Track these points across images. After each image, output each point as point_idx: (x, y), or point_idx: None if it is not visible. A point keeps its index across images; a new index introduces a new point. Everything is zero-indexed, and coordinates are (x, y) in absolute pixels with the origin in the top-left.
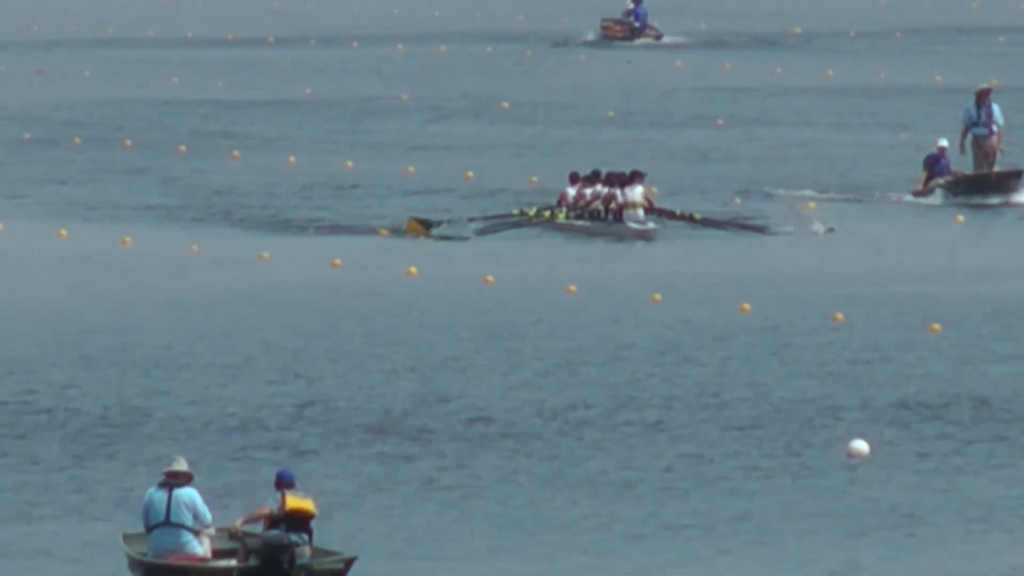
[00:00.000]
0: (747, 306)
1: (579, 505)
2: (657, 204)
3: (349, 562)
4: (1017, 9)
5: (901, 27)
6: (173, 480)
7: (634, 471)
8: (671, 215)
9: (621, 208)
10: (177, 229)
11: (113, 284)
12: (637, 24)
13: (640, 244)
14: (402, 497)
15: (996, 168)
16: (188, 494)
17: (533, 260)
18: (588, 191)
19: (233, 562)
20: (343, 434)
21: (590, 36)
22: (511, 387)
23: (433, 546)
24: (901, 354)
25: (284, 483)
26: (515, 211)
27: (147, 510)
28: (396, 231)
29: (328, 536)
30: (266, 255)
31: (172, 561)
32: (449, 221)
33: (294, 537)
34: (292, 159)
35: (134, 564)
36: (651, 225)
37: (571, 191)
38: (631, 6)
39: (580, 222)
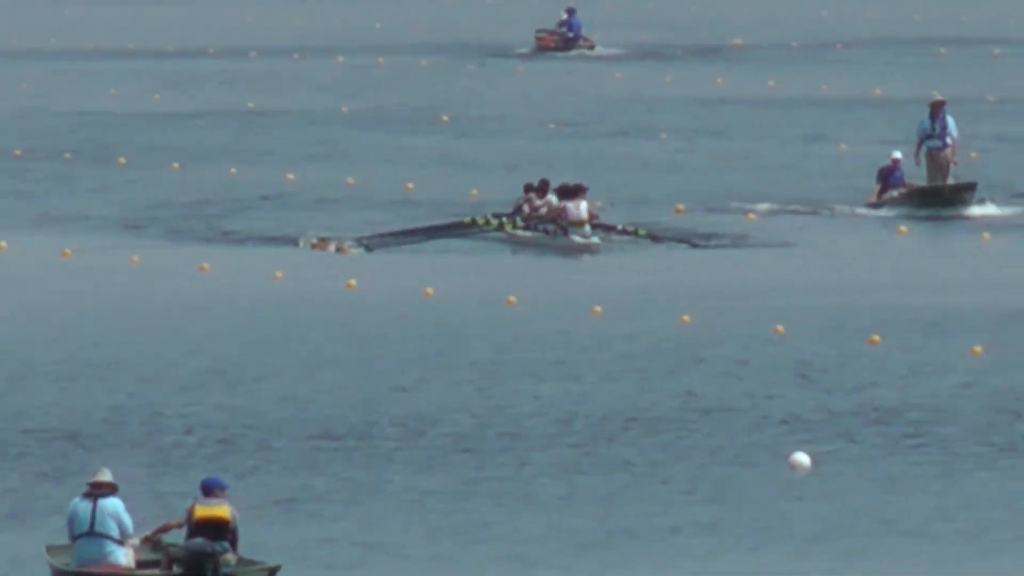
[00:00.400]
0: (687, 318)
1: (516, 516)
2: (601, 217)
3: (273, 571)
4: (959, 21)
5: (843, 38)
6: (98, 491)
7: (572, 482)
8: (614, 230)
9: (568, 223)
10: (118, 240)
11: (52, 295)
12: (571, 35)
13: (583, 257)
14: (335, 507)
15: (950, 180)
16: (112, 504)
17: (474, 272)
18: (540, 202)
19: (156, 572)
20: (278, 444)
21: (524, 49)
22: (447, 398)
23: (360, 556)
24: (841, 366)
25: (205, 490)
26: (466, 219)
27: (72, 520)
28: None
29: (260, 546)
30: (207, 266)
31: (96, 571)
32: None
33: (216, 546)
34: (233, 170)
35: (58, 575)
36: (595, 239)
37: (542, 197)
38: (564, 17)
39: (526, 233)
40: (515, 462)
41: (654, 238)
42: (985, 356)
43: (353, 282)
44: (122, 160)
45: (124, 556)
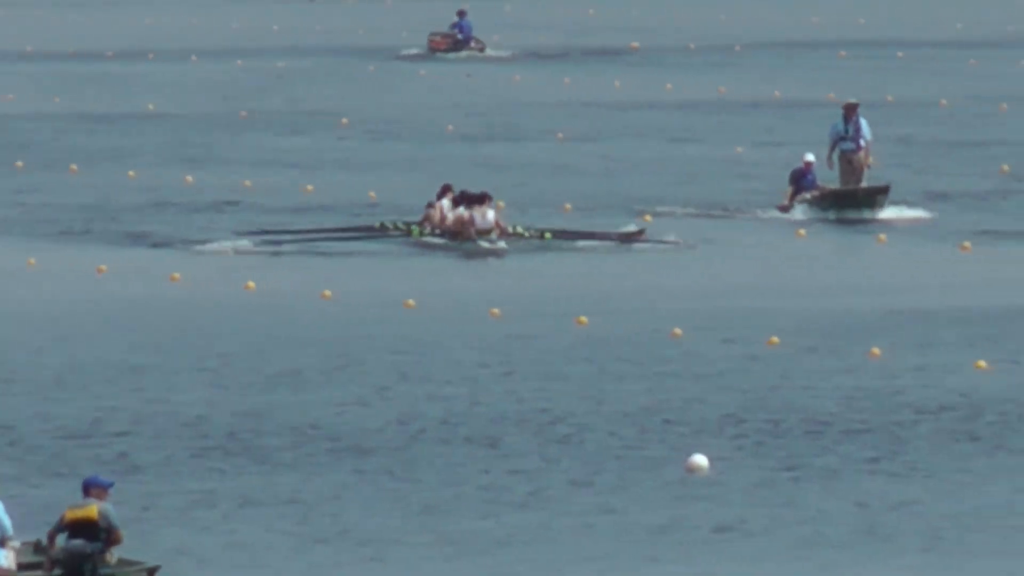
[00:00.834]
0: (584, 319)
1: (407, 520)
2: (503, 219)
3: (152, 571)
4: (857, 23)
5: (741, 41)
6: None
7: (465, 486)
8: (520, 236)
9: (476, 232)
10: (14, 242)
11: None
12: (461, 36)
13: (488, 260)
14: (224, 511)
15: (864, 183)
16: None
17: (376, 275)
18: (447, 208)
19: (39, 574)
20: (172, 447)
21: (414, 50)
22: (342, 401)
23: (247, 558)
24: (739, 368)
25: (84, 489)
26: (377, 224)
27: None
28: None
29: (150, 549)
30: (104, 268)
31: None
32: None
33: (91, 547)
34: (132, 173)
35: None
36: (502, 244)
37: (445, 204)
38: (456, 20)
39: (434, 239)
40: (403, 463)
41: (563, 235)
42: (883, 358)
43: (252, 283)
44: (19, 163)
45: (4, 558)
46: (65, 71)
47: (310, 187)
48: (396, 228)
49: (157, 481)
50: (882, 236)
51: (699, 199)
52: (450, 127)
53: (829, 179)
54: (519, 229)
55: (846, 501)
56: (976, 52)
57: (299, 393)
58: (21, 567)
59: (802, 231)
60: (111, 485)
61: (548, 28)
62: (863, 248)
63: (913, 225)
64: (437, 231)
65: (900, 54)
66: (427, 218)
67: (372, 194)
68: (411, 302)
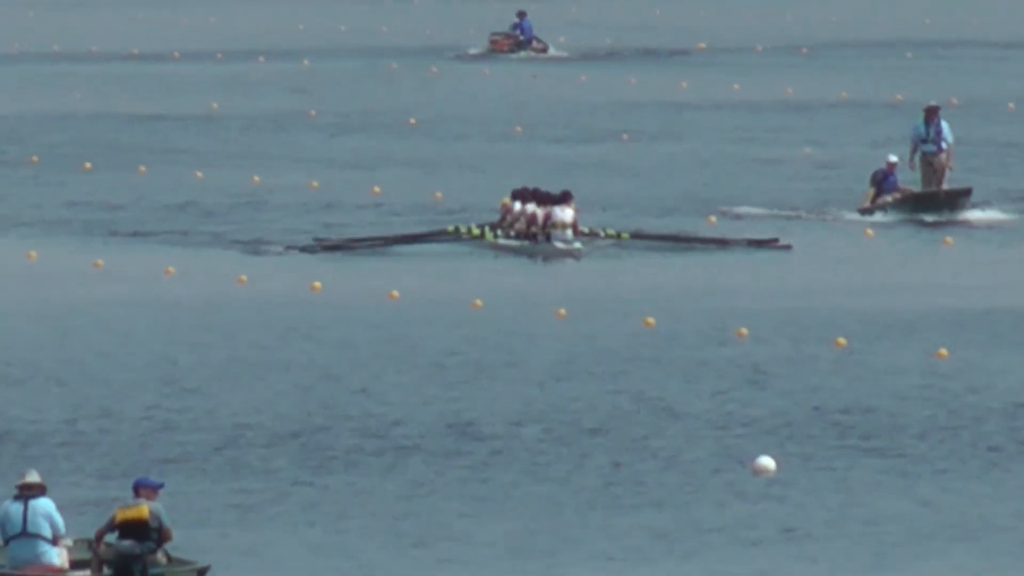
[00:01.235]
0: (651, 320)
1: (482, 521)
2: (579, 222)
3: (202, 571)
4: (923, 24)
5: (808, 42)
6: (27, 492)
7: (536, 487)
8: (597, 236)
9: (550, 227)
10: (83, 244)
11: (17, 298)
12: (523, 37)
13: (562, 261)
14: (275, 512)
15: (945, 185)
16: (44, 504)
17: (444, 276)
18: (518, 209)
19: (88, 573)
20: (230, 448)
21: (475, 50)
22: (408, 402)
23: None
24: (806, 369)
25: (134, 490)
26: (450, 227)
27: (3, 523)
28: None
29: (200, 550)
30: (172, 269)
31: (29, 572)
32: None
33: (142, 547)
34: (199, 174)
35: None
36: (577, 245)
37: (516, 207)
38: (516, 20)
39: (508, 241)
40: (473, 465)
41: (641, 237)
42: (951, 359)
43: (318, 284)
44: (87, 165)
45: (57, 556)
46: (130, 72)
47: (376, 188)
48: (469, 232)
49: (211, 481)
50: (949, 239)
51: (772, 200)
52: (518, 128)
53: (909, 181)
54: (609, 231)
55: (913, 502)
56: None
57: (360, 393)
58: (73, 564)
59: (869, 231)
60: (161, 486)
61: (614, 29)
62: (935, 249)
63: (992, 227)
64: (511, 232)
65: (965, 55)
66: (502, 219)
67: (438, 194)
68: (478, 302)
